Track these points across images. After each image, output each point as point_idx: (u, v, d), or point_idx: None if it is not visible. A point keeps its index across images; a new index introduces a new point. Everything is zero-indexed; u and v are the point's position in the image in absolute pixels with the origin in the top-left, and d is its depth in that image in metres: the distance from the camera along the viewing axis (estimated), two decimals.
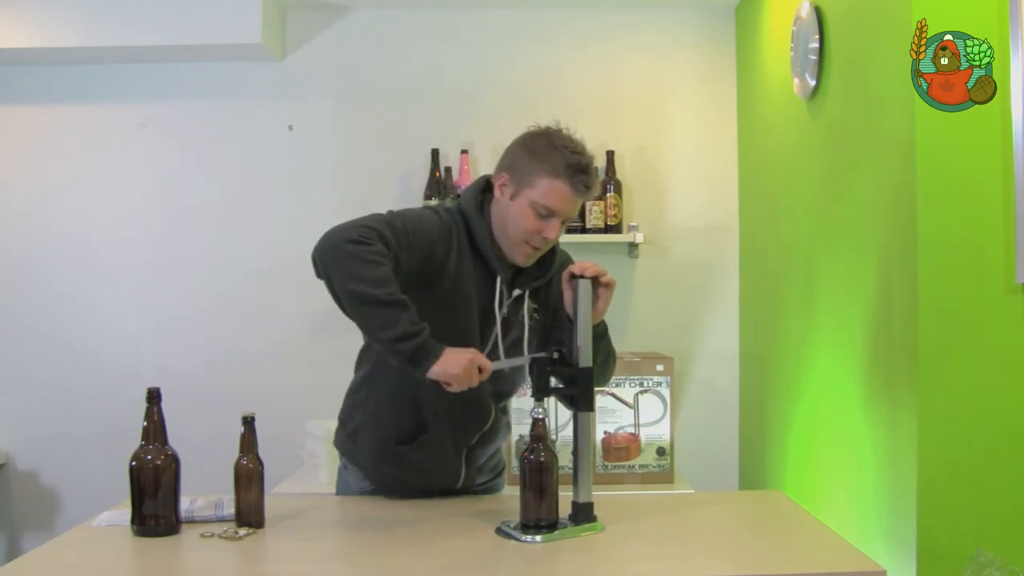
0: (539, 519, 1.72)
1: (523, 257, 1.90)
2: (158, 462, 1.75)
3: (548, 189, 1.83)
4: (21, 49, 3.21)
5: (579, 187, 1.84)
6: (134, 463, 1.75)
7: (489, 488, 2.16)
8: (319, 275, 1.74)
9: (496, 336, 1.91)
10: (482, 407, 1.97)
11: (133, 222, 3.39)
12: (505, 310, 1.92)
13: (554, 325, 1.98)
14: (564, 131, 1.91)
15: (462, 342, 1.78)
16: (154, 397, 1.77)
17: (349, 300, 1.69)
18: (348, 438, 2.05)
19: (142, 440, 1.76)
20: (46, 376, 3.37)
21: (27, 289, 3.38)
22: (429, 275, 1.83)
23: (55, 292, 3.38)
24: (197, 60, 3.35)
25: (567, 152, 1.84)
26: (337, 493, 2.13)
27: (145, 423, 1.77)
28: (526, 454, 1.73)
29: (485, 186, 1.94)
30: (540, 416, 1.73)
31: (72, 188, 3.39)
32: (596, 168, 1.91)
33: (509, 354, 1.91)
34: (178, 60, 3.35)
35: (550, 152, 1.85)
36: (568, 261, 2.02)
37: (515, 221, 1.86)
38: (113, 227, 3.39)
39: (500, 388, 1.99)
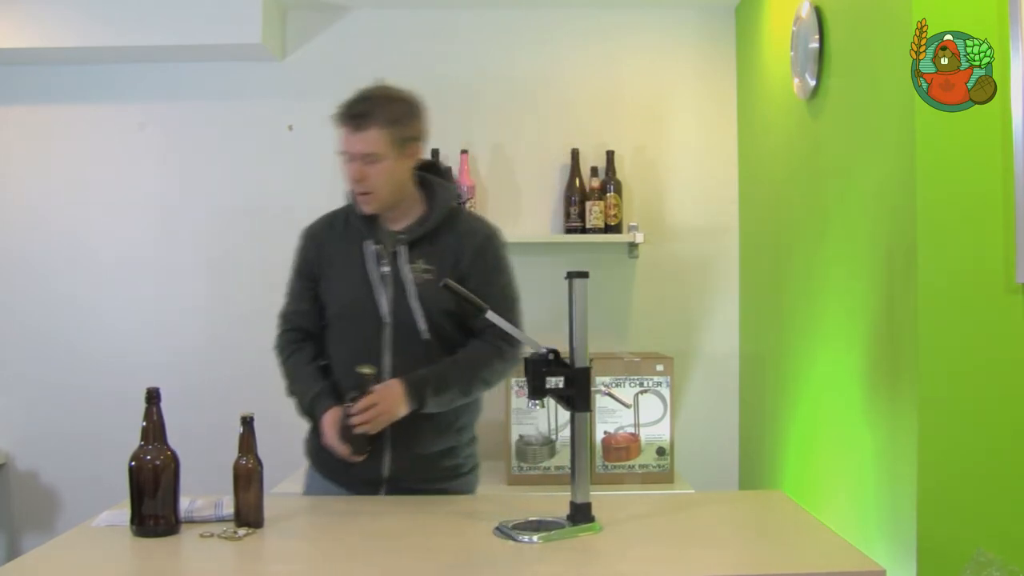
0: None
1: (359, 206, 2.07)
2: (157, 462, 1.75)
3: (341, 137, 2.05)
4: (21, 49, 3.20)
5: (342, 120, 2.02)
6: (133, 463, 1.75)
7: (446, 490, 2.13)
8: None
9: (378, 294, 2.06)
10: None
11: (133, 222, 3.39)
12: (386, 269, 2.06)
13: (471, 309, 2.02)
14: (376, 83, 2.09)
15: (358, 307, 2.06)
16: (153, 397, 1.77)
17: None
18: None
19: (141, 440, 1.76)
20: (46, 376, 3.37)
21: (27, 289, 3.38)
22: (319, 275, 2.15)
23: (55, 292, 3.38)
24: (197, 60, 3.35)
25: (347, 99, 2.04)
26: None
27: (144, 423, 1.77)
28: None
29: None
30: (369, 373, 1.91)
31: (72, 188, 3.38)
32: (375, 100, 2.03)
33: (393, 310, 2.05)
34: (178, 60, 3.35)
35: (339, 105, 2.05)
36: (477, 231, 2.12)
37: None
38: (113, 227, 3.39)
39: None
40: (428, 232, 2.08)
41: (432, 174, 2.18)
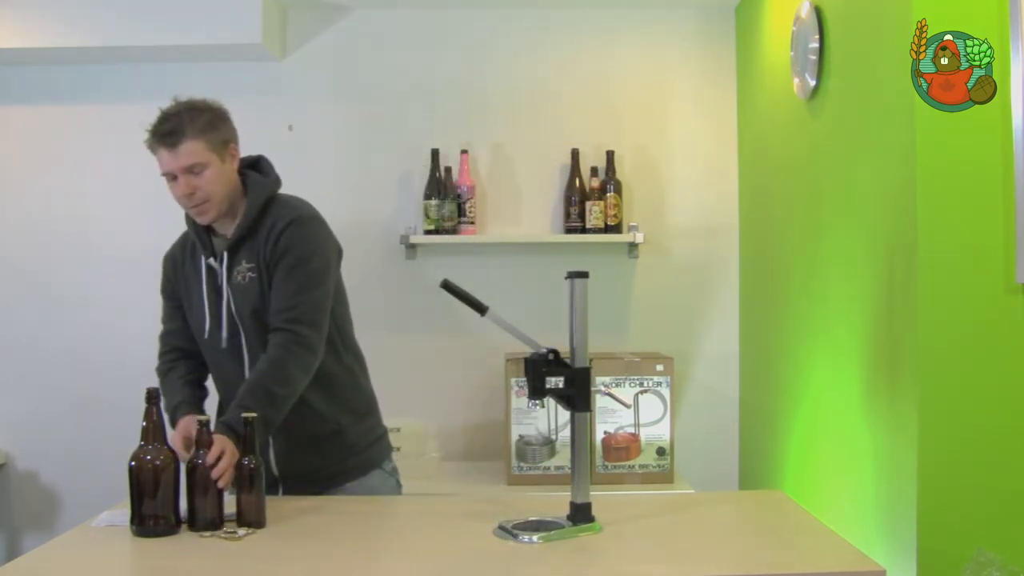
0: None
1: (199, 219, 2.10)
2: (157, 462, 1.75)
3: (158, 162, 2.05)
4: (21, 49, 3.20)
5: (156, 140, 2.02)
6: (133, 463, 1.75)
7: (347, 470, 2.15)
8: None
9: (219, 309, 2.10)
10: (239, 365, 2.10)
11: (133, 222, 3.39)
12: (221, 280, 2.09)
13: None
14: (174, 101, 2.09)
15: (205, 326, 2.11)
16: (153, 397, 1.77)
17: None
18: None
19: (141, 440, 1.76)
20: (46, 376, 3.37)
21: (27, 289, 3.38)
22: (181, 297, 2.19)
23: (55, 292, 3.38)
24: (197, 60, 3.34)
25: (151, 124, 2.05)
26: None
27: (144, 423, 1.77)
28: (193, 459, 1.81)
29: None
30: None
31: (72, 188, 3.38)
32: (180, 115, 2.03)
33: (232, 319, 2.08)
34: (178, 60, 3.35)
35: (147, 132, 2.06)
36: (281, 218, 2.09)
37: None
38: (113, 227, 3.38)
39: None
40: (248, 229, 2.09)
41: (255, 163, 2.20)
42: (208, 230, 2.13)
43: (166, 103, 3.54)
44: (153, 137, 2.02)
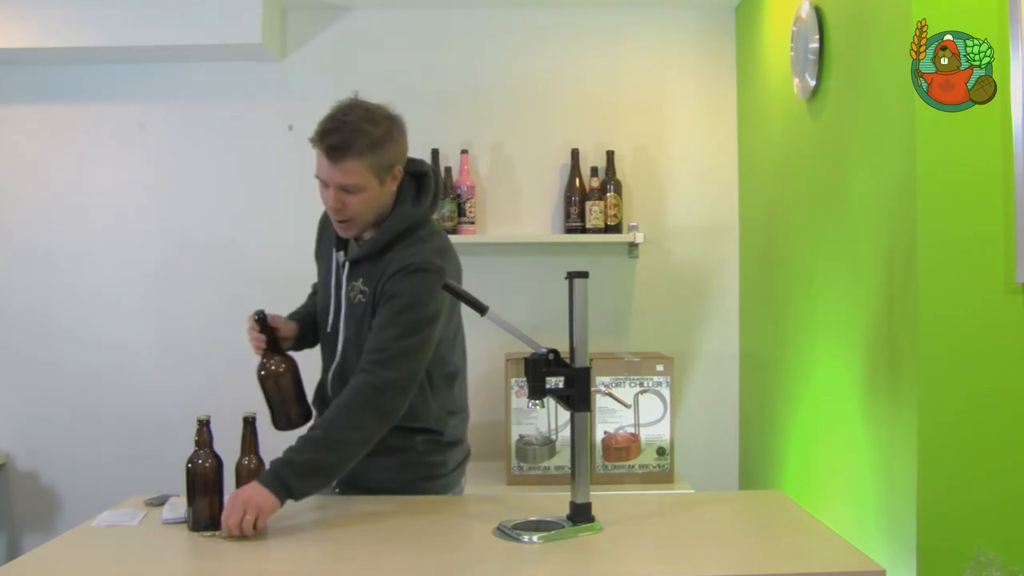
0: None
1: (338, 230, 2.04)
2: (281, 368, 2.02)
3: (317, 161, 1.96)
4: (21, 49, 3.20)
5: (325, 149, 1.92)
6: (262, 372, 1.97)
7: (399, 491, 2.06)
8: None
9: (331, 307, 2.09)
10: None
11: (133, 222, 3.39)
12: (341, 282, 2.07)
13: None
14: (351, 98, 1.99)
15: (320, 314, 2.13)
16: (261, 319, 2.03)
17: None
18: None
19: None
20: (46, 376, 3.37)
21: (27, 289, 3.38)
22: None
23: (55, 292, 3.38)
24: (197, 60, 3.34)
25: (323, 121, 1.94)
26: None
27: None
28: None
29: None
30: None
31: (72, 188, 3.38)
32: (354, 127, 1.91)
33: (333, 324, 2.07)
34: (178, 60, 3.35)
35: (317, 127, 1.96)
36: (403, 259, 1.97)
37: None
38: (113, 227, 3.38)
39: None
40: (373, 253, 2.01)
41: (420, 177, 2.11)
42: None
43: (166, 103, 3.56)
44: (320, 141, 1.92)
